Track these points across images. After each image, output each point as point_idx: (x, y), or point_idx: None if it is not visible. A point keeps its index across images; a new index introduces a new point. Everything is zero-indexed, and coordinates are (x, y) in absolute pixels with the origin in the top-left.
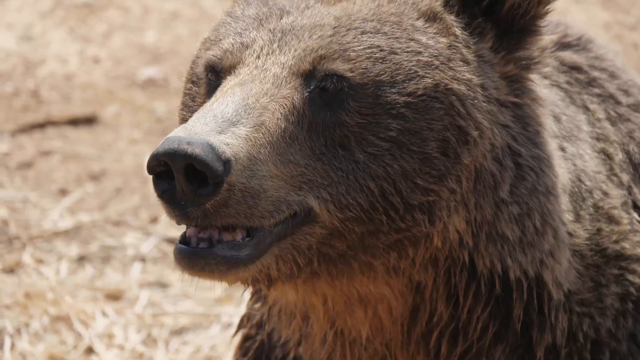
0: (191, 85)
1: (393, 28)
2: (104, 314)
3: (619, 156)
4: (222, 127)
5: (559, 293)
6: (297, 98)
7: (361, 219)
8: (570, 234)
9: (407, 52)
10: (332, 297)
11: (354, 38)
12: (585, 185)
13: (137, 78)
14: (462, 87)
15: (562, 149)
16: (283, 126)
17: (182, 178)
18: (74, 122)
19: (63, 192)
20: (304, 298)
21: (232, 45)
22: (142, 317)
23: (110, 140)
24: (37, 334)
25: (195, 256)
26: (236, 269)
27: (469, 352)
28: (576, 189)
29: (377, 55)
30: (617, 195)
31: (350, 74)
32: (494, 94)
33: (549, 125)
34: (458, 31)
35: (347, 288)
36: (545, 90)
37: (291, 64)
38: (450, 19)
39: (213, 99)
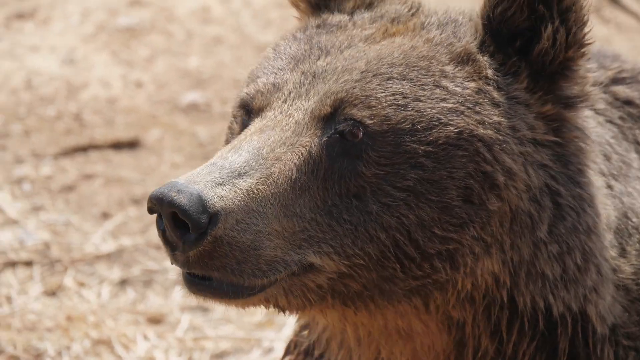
0: (232, 119)
1: (420, 74)
2: (145, 337)
3: None
4: (225, 179)
5: (604, 327)
6: (315, 145)
7: (370, 268)
8: (614, 270)
9: (432, 99)
10: (365, 325)
11: (378, 84)
12: (632, 222)
13: (180, 102)
14: (489, 132)
15: (610, 187)
16: (294, 177)
17: (169, 223)
18: (117, 145)
19: (105, 216)
20: (334, 324)
21: (265, 86)
22: (183, 341)
23: (152, 164)
24: (79, 357)
25: (195, 286)
26: (237, 299)
27: None
28: (622, 226)
29: (399, 102)
30: None
31: (370, 121)
32: (528, 134)
33: (596, 163)
34: (490, 73)
35: (370, 321)
36: (599, 127)
37: (312, 109)
38: (484, 59)
39: (234, 142)
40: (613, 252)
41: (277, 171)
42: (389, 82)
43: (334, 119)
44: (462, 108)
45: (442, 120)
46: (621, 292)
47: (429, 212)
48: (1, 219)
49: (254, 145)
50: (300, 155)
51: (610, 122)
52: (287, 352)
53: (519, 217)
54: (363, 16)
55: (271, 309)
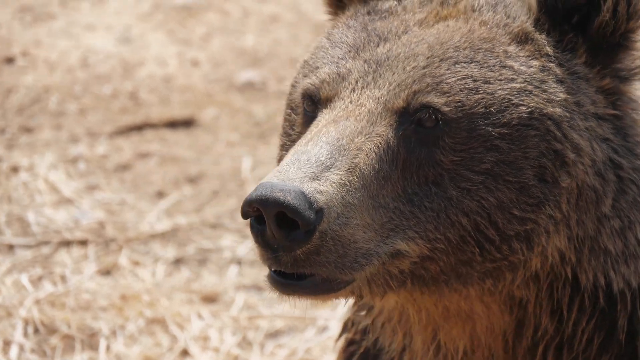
0: (290, 111)
1: (486, 56)
2: (200, 316)
3: None
4: (316, 173)
5: None
6: (392, 136)
7: (449, 252)
8: None
9: (500, 80)
10: (427, 307)
11: (447, 69)
12: None
13: (236, 81)
14: (557, 109)
15: None
16: (377, 167)
17: (273, 224)
18: (172, 124)
19: (160, 195)
20: (402, 305)
21: (329, 76)
22: (238, 320)
23: (208, 143)
24: (133, 336)
25: (287, 287)
26: (326, 295)
27: None
28: None
29: (470, 86)
30: None
31: (446, 108)
32: (591, 109)
33: None
34: (550, 50)
35: (436, 301)
36: None
37: (386, 100)
38: (542, 37)
39: (308, 135)
40: None
41: (362, 161)
42: (456, 66)
43: (407, 111)
44: (529, 87)
45: (513, 101)
46: None
47: (507, 194)
48: (56, 198)
49: (332, 136)
50: (380, 145)
51: None
52: (345, 329)
53: (584, 193)
54: (412, 0)
55: (352, 299)
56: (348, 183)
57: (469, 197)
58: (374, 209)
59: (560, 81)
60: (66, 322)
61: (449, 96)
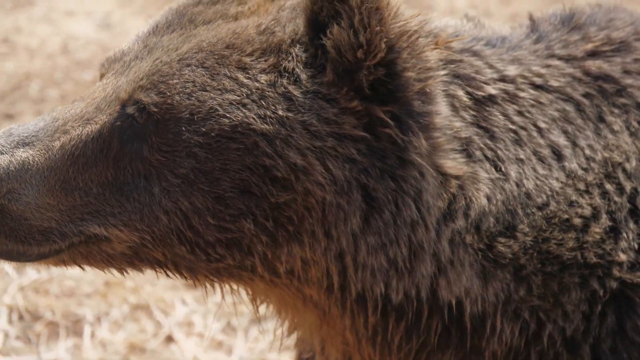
0: None
1: (217, 63)
2: (184, 302)
3: (631, 164)
4: (6, 147)
5: (476, 306)
6: (108, 126)
7: (157, 244)
8: (481, 250)
9: (218, 90)
10: (257, 294)
11: (177, 70)
12: (534, 201)
13: None
14: (269, 127)
15: (502, 172)
16: (78, 152)
17: None
18: None
19: None
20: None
21: (114, 54)
22: (222, 306)
23: None
24: (117, 323)
25: None
26: (24, 262)
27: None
28: (510, 207)
29: (188, 90)
30: (587, 205)
31: (154, 108)
32: (326, 129)
33: (475, 149)
34: (291, 65)
35: (250, 289)
36: (533, 109)
37: (120, 90)
38: (295, 51)
39: (54, 110)
40: (469, 237)
41: (59, 145)
42: (186, 68)
43: (128, 102)
44: (245, 101)
45: (219, 112)
46: (506, 270)
47: (202, 201)
48: None
49: (54, 115)
50: (90, 132)
51: (569, 100)
52: None
53: (328, 209)
54: None
55: (75, 267)
56: (32, 162)
57: (167, 197)
58: (64, 192)
59: (288, 99)
60: (50, 309)
61: (163, 97)
